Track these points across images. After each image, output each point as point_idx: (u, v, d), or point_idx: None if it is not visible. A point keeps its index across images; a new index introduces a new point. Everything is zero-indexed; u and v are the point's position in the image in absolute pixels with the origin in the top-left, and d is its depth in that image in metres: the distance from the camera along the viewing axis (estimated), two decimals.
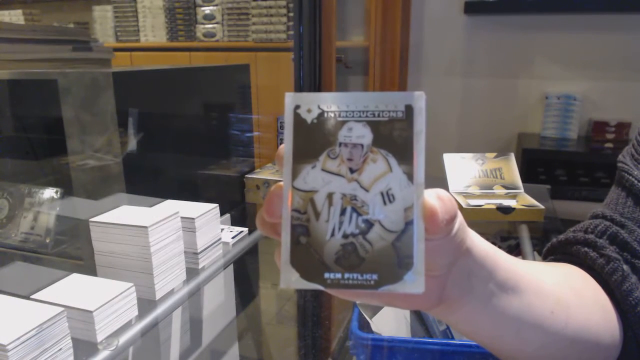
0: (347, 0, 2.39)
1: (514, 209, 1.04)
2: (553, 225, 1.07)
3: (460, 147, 2.25)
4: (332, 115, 0.25)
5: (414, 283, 0.24)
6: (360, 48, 2.37)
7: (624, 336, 0.42)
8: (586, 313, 0.40)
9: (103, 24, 3.02)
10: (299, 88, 1.63)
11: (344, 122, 0.25)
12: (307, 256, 0.24)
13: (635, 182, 0.45)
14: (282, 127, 1.41)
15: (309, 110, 0.25)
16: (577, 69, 2.11)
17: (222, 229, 0.89)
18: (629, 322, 0.42)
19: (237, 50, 2.69)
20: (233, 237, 0.90)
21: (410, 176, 0.25)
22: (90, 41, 1.28)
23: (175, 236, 0.72)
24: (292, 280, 0.24)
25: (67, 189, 0.89)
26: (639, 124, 2.01)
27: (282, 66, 2.49)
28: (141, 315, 0.66)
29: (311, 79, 1.62)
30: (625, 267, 0.42)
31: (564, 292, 0.40)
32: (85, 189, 0.87)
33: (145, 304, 0.68)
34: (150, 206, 0.76)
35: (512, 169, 1.16)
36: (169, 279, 0.72)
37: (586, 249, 0.45)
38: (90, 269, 0.72)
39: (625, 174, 0.47)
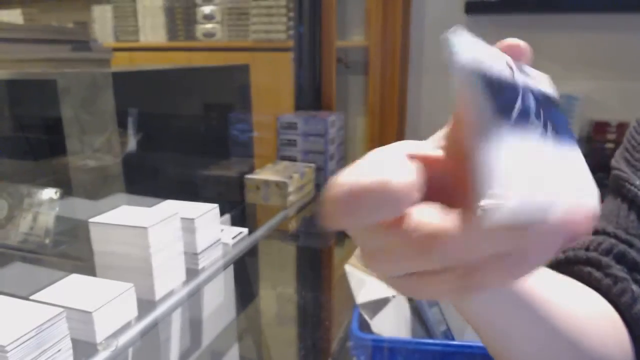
0: (347, 0, 2.38)
1: None
2: None
3: None
4: None
5: None
6: (360, 48, 2.37)
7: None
8: (594, 324, 0.36)
9: (102, 23, 3.01)
10: (299, 88, 1.63)
11: None
12: None
13: (639, 193, 0.42)
14: (282, 127, 1.41)
15: None
16: (577, 69, 2.10)
17: (222, 230, 0.89)
18: None
19: (237, 50, 2.68)
20: (233, 238, 0.90)
21: None
22: (90, 41, 1.28)
23: (175, 237, 0.72)
24: None
25: (67, 189, 0.88)
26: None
27: (282, 66, 2.48)
28: (141, 315, 0.66)
29: (311, 79, 1.62)
30: (635, 287, 0.39)
31: (564, 284, 0.36)
32: (85, 189, 0.86)
33: (145, 304, 0.68)
34: (150, 206, 0.76)
35: None
36: (168, 279, 0.72)
37: (589, 268, 0.41)
38: (89, 270, 0.71)
39: (626, 184, 0.43)
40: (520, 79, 0.20)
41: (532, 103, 0.19)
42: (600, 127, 2.06)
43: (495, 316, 0.31)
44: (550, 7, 2.06)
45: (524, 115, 0.19)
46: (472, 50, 0.19)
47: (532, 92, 0.20)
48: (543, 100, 0.20)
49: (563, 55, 2.11)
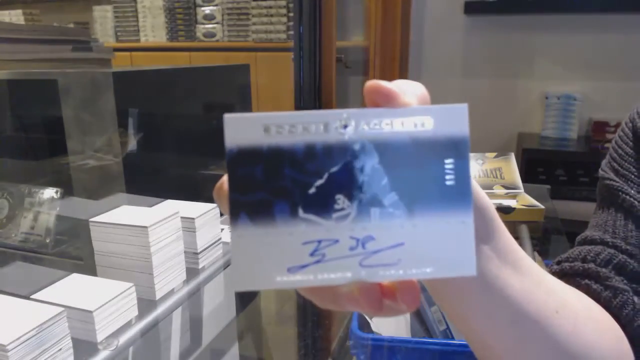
0: (347, 0, 2.39)
1: (514, 209, 1.04)
2: (553, 225, 1.07)
3: None
4: None
5: None
6: (360, 48, 2.37)
7: None
8: (597, 331, 0.33)
9: (103, 24, 3.02)
10: (299, 88, 1.63)
11: None
12: None
13: (636, 202, 0.40)
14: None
15: None
16: (577, 69, 2.11)
17: (222, 229, 0.89)
18: None
19: (237, 50, 2.69)
20: None
21: None
22: (91, 41, 1.28)
23: (175, 236, 0.72)
24: None
25: (67, 189, 0.89)
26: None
27: (282, 66, 2.49)
28: (141, 315, 0.66)
29: (311, 79, 1.62)
30: (636, 299, 0.37)
31: (570, 297, 0.33)
32: (85, 189, 0.87)
33: (145, 304, 0.68)
34: (150, 206, 0.76)
35: (512, 169, 1.16)
36: (169, 279, 0.72)
37: (587, 281, 0.39)
38: (90, 269, 0.72)
39: (620, 193, 0.42)
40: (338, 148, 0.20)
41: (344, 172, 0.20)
42: (599, 127, 2.06)
43: (491, 332, 0.29)
44: (550, 8, 2.06)
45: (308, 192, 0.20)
46: (240, 136, 0.20)
47: (368, 151, 0.21)
48: (406, 153, 0.21)
49: (562, 55, 2.11)
